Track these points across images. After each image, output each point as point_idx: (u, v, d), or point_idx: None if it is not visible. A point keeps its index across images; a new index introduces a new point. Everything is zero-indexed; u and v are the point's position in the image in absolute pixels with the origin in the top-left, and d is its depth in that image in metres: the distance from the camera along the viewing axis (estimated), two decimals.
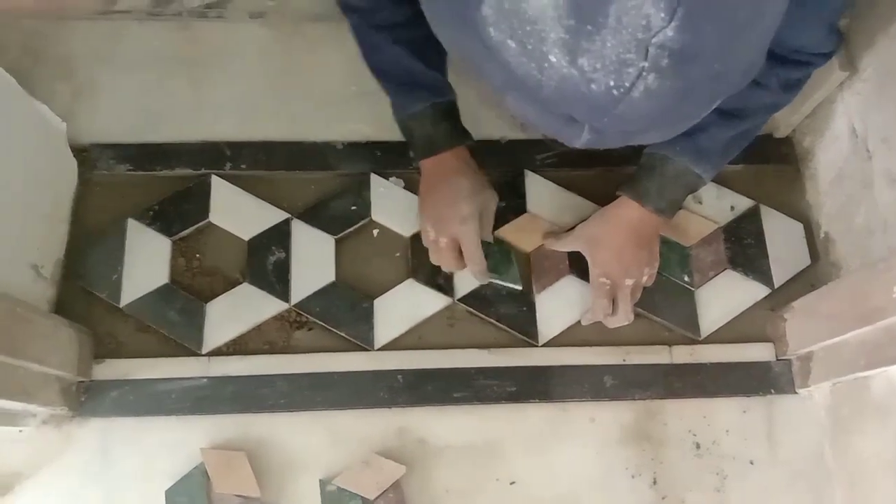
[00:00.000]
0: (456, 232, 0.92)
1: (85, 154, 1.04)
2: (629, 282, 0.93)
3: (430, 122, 0.91)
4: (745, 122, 0.86)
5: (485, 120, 1.09)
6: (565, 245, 0.99)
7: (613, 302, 0.95)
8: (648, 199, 0.90)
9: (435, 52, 0.90)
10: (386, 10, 0.86)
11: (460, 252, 0.94)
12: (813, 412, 0.97)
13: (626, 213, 0.92)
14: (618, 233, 0.93)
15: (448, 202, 0.92)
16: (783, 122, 1.08)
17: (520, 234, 1.03)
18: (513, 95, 0.55)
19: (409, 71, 0.89)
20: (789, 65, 0.81)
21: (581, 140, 0.55)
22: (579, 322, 1.00)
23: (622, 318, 0.95)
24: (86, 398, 0.93)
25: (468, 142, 0.94)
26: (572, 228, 1.00)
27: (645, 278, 0.95)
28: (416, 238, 1.02)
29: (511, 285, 1.00)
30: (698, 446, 0.96)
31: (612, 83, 0.48)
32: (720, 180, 1.07)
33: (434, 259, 0.96)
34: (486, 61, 0.53)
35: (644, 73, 0.47)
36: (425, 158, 0.93)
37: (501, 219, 1.03)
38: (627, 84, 0.48)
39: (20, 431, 0.91)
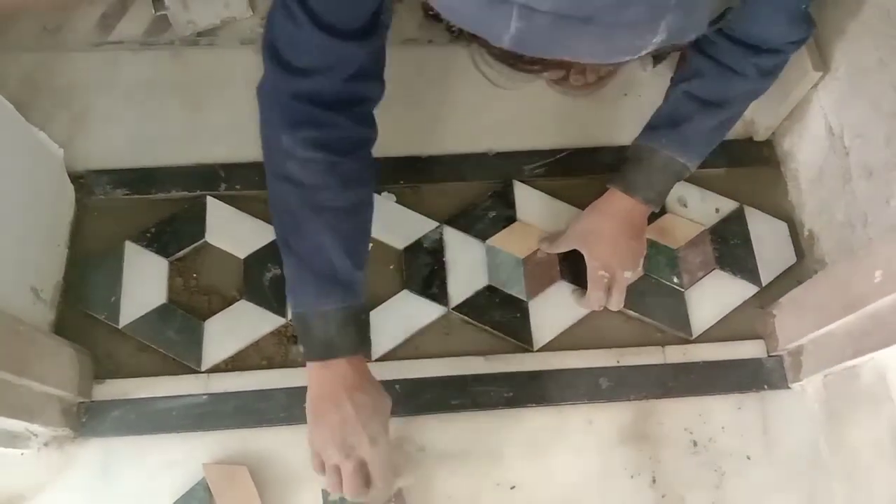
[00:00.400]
0: (366, 455, 0.81)
1: (82, 180, 1.06)
2: (628, 274, 0.95)
3: (335, 326, 0.80)
4: (726, 111, 0.88)
5: (474, 133, 1.13)
6: (560, 246, 1.01)
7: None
8: (637, 190, 0.92)
9: (365, 247, 0.85)
10: (330, 192, 0.78)
11: (366, 477, 0.82)
12: (807, 405, 0.98)
13: (617, 204, 0.94)
14: (611, 224, 0.95)
15: (352, 423, 0.80)
16: (762, 125, 1.11)
17: (511, 243, 1.05)
18: None
19: (333, 266, 0.79)
20: (763, 54, 0.84)
21: (509, 32, 0.48)
22: (572, 326, 1.02)
23: (615, 306, 0.97)
24: (87, 418, 0.94)
25: (367, 352, 0.87)
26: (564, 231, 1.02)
27: (640, 269, 0.96)
28: (410, 250, 1.04)
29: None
30: (695, 444, 0.97)
31: None
32: (704, 184, 1.10)
33: (335, 487, 0.82)
34: None
35: None
36: (318, 360, 0.82)
37: (493, 228, 1.05)
38: None
39: (22, 454, 0.92)
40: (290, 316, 1.00)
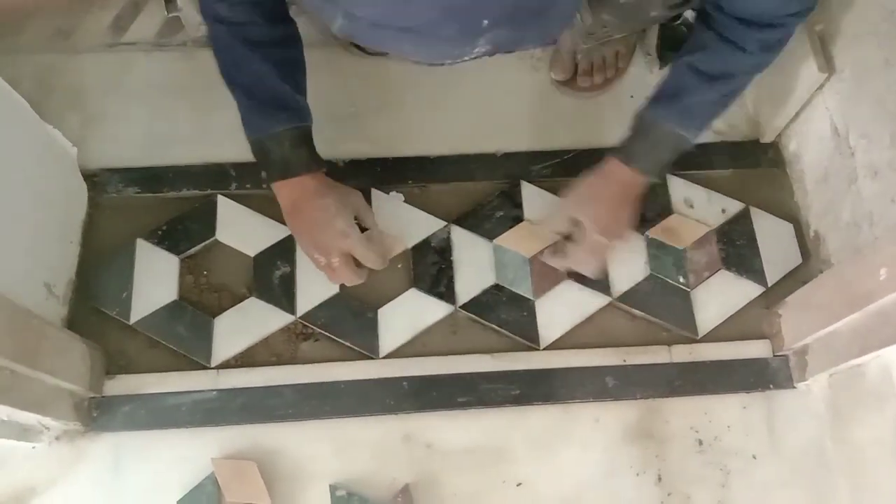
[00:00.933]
0: (343, 247, 0.93)
1: (95, 178, 1.08)
2: (616, 243, 0.97)
3: (288, 146, 0.91)
4: (728, 84, 0.89)
5: (482, 133, 1.13)
6: (557, 220, 1.01)
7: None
8: (636, 160, 0.94)
9: (302, 75, 0.93)
10: (258, 27, 0.87)
11: (355, 261, 0.95)
12: (812, 405, 0.98)
13: (616, 173, 0.95)
14: (611, 191, 0.95)
15: (322, 225, 0.93)
16: (768, 126, 1.12)
17: (518, 242, 1.06)
18: None
19: (275, 91, 0.89)
20: (766, 28, 0.84)
21: (336, 25, 0.56)
22: (579, 325, 1.02)
23: (594, 272, 0.98)
24: (98, 413, 0.95)
25: (322, 168, 0.95)
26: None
27: (627, 241, 0.98)
28: (417, 249, 1.05)
29: None
30: (701, 443, 0.98)
31: None
32: (710, 185, 1.11)
33: (335, 279, 0.97)
34: None
35: None
36: (280, 181, 0.93)
37: (500, 228, 1.06)
38: None
39: (33, 448, 0.93)
40: (299, 313, 1.01)
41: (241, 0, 0.85)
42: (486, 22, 0.53)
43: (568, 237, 1.02)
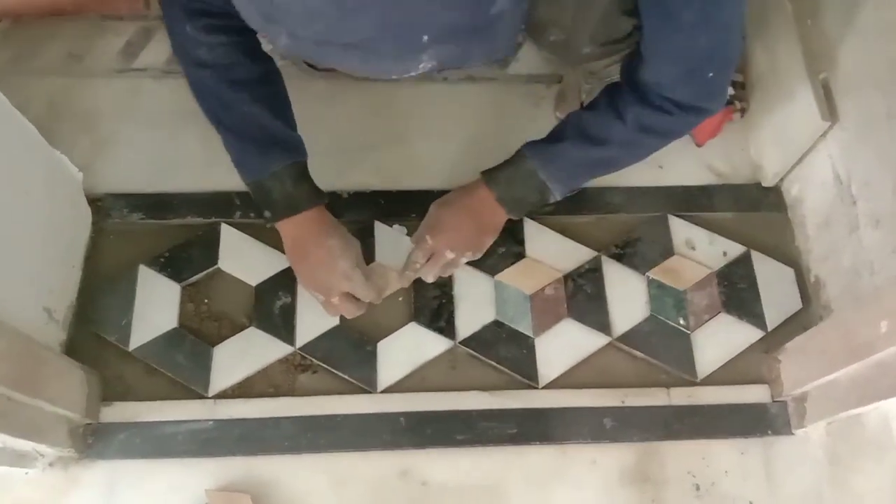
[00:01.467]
0: (345, 288, 0.94)
1: (99, 203, 1.08)
2: (450, 254, 0.97)
3: (290, 182, 0.90)
4: (598, 150, 0.90)
5: (483, 169, 1.14)
6: (426, 219, 1.01)
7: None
8: (495, 186, 0.95)
9: (289, 110, 0.93)
10: (242, 67, 0.86)
11: (354, 298, 0.96)
12: (810, 452, 0.98)
13: (477, 192, 0.97)
14: (463, 205, 0.97)
15: (326, 267, 0.93)
16: (771, 171, 1.13)
17: (520, 279, 1.06)
18: None
19: (267, 130, 0.89)
20: (648, 106, 0.84)
21: (280, 43, 0.56)
22: (578, 364, 1.02)
23: (427, 276, 0.99)
24: (93, 440, 0.95)
25: (324, 200, 0.95)
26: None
27: (463, 259, 0.99)
28: (418, 282, 1.05)
29: None
30: (698, 488, 0.97)
31: None
32: (712, 227, 1.11)
33: (333, 313, 0.98)
34: None
35: None
36: (286, 218, 0.93)
37: (502, 263, 1.06)
38: None
39: (26, 473, 0.93)
40: (298, 344, 1.01)
41: (221, 42, 0.84)
42: (426, 38, 0.54)
43: None
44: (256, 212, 1.08)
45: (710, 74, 0.81)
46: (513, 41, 0.60)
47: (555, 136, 0.93)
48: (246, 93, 0.87)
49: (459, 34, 0.55)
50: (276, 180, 0.90)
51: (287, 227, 0.94)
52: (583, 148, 0.90)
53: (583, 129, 0.90)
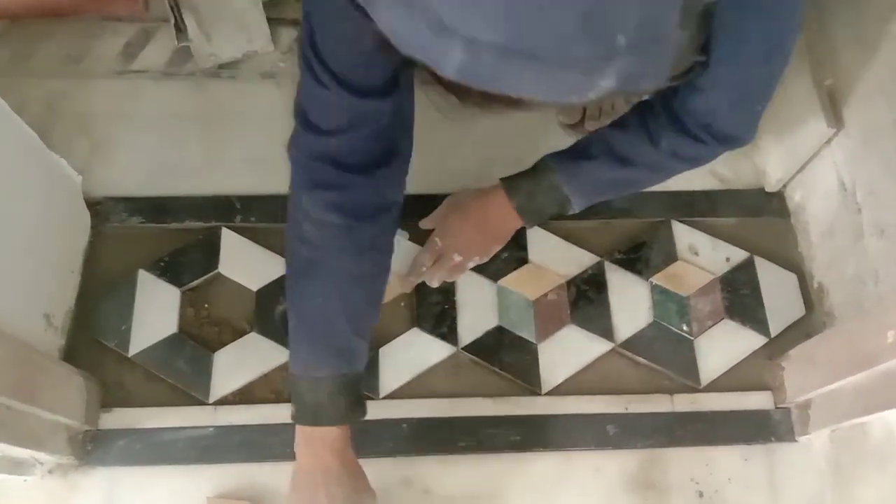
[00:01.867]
0: None
1: (98, 207, 1.07)
2: (457, 258, 0.97)
3: (326, 394, 0.79)
4: (626, 171, 0.89)
5: (489, 173, 1.13)
6: (434, 217, 1.01)
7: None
8: (516, 195, 0.95)
9: (369, 317, 0.83)
10: (342, 256, 0.78)
11: None
12: (813, 460, 0.98)
13: (493, 198, 0.96)
14: (475, 209, 0.97)
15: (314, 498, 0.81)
16: (774, 177, 1.13)
17: (523, 284, 1.06)
18: (380, 2, 0.48)
19: (332, 332, 0.79)
20: (684, 134, 0.83)
21: (452, 60, 0.47)
22: (581, 370, 1.02)
23: (432, 280, 0.99)
24: (92, 447, 0.94)
25: (357, 419, 0.83)
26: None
27: (470, 264, 0.99)
28: (421, 287, 1.04)
29: None
30: (701, 495, 0.97)
31: None
32: (715, 233, 1.11)
33: None
34: None
35: None
36: (305, 426, 0.82)
37: (505, 269, 1.06)
38: None
39: (25, 481, 0.92)
40: None
41: (335, 223, 0.76)
42: (622, 40, 0.47)
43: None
44: (257, 216, 1.08)
45: (759, 107, 0.81)
46: (670, 70, 0.55)
47: (582, 152, 0.92)
48: (330, 284, 0.78)
49: (645, 40, 0.49)
50: (311, 385, 0.80)
51: (303, 434, 0.83)
52: (611, 167, 0.89)
53: (612, 148, 0.89)
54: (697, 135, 0.82)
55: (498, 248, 1.00)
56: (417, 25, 0.46)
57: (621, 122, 0.90)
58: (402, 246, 1.07)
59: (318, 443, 0.82)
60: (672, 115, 0.83)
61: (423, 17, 0.46)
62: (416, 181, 1.11)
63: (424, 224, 1.04)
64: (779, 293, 1.08)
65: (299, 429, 0.83)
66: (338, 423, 0.81)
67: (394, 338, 1.02)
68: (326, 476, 0.81)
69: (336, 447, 0.81)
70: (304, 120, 0.74)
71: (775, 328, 1.05)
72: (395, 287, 1.01)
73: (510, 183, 0.95)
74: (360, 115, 0.73)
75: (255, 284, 1.04)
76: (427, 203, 1.10)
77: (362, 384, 0.84)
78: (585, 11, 0.45)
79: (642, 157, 0.87)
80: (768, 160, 1.14)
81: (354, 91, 0.70)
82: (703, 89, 0.78)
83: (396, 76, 0.72)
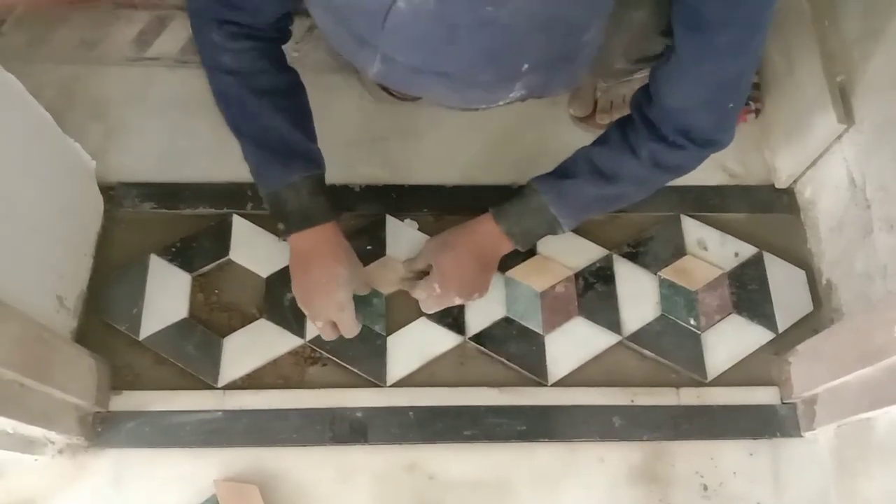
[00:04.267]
0: (334, 317, 0.94)
1: (112, 191, 1.08)
2: (458, 300, 0.98)
3: (306, 194, 0.89)
4: (611, 186, 0.90)
5: (499, 165, 1.14)
6: (419, 261, 1.01)
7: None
8: (505, 220, 0.95)
9: (311, 122, 0.92)
10: (267, 75, 0.86)
11: (335, 325, 0.96)
12: (818, 455, 0.98)
13: (482, 228, 0.97)
14: (466, 245, 0.97)
15: (323, 289, 0.93)
16: (784, 173, 1.12)
17: (530, 276, 1.06)
18: (315, 4, 0.56)
19: (287, 141, 0.88)
20: (662, 142, 0.84)
21: (373, 69, 0.55)
22: (588, 362, 1.03)
23: (425, 307, 1.01)
24: (102, 428, 0.95)
25: (339, 216, 0.94)
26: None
27: (469, 301, 1.00)
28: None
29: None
30: (706, 488, 0.97)
31: None
32: (724, 228, 1.11)
33: (318, 331, 0.97)
34: None
35: None
36: (300, 231, 0.91)
37: (512, 260, 1.06)
38: None
39: (35, 460, 0.93)
40: (308, 337, 1.01)
41: (247, 48, 0.84)
42: (525, 66, 0.52)
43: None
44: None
45: (730, 105, 0.82)
46: (586, 71, 0.59)
47: (566, 172, 0.92)
48: (268, 102, 0.86)
49: (554, 62, 0.54)
50: (292, 191, 0.89)
51: (298, 241, 0.93)
52: (596, 184, 0.90)
53: (595, 165, 0.90)
54: (675, 140, 0.83)
55: (492, 277, 1.01)
56: (343, 34, 0.54)
57: (603, 138, 0.91)
58: (411, 235, 1.08)
59: (313, 237, 0.91)
60: (649, 125, 0.84)
61: (348, 29, 0.53)
62: (426, 172, 1.13)
63: (410, 267, 1.03)
64: (787, 289, 1.08)
65: (295, 239, 0.92)
66: (325, 220, 0.91)
67: (402, 327, 1.03)
68: (320, 255, 0.92)
69: (328, 236, 0.92)
70: None
71: (783, 324, 1.05)
72: (398, 282, 1.03)
73: (498, 209, 0.96)
74: None
75: (265, 271, 1.05)
76: (436, 194, 1.11)
77: (326, 187, 0.92)
78: (490, 49, 0.51)
79: (626, 171, 0.88)
80: (778, 156, 1.14)
81: None
82: (675, 81, 0.79)
83: None
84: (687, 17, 0.73)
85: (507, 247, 0.98)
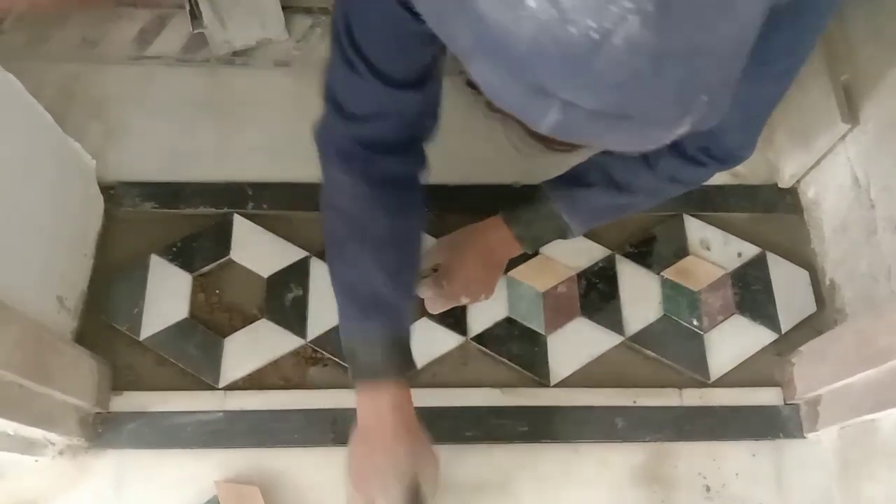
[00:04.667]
0: (375, 498, 0.83)
1: (112, 191, 1.08)
2: (465, 300, 0.97)
3: (380, 352, 0.82)
4: (624, 196, 0.88)
5: (501, 164, 1.13)
6: (428, 259, 1.00)
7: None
8: (516, 224, 0.94)
9: (409, 276, 0.86)
10: (375, 223, 0.80)
11: None
12: (821, 456, 0.98)
13: (492, 230, 0.96)
14: (476, 246, 0.96)
15: (376, 471, 0.82)
16: (788, 172, 1.12)
17: (533, 276, 1.06)
18: (480, 60, 0.48)
19: (375, 293, 0.81)
20: (681, 157, 0.81)
21: (547, 120, 0.48)
22: (590, 363, 1.02)
23: (431, 307, 0.99)
24: (102, 429, 0.94)
25: (412, 372, 0.86)
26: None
27: (476, 302, 0.99)
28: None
29: None
30: (708, 489, 0.97)
31: (591, 23, 0.42)
32: (727, 227, 1.10)
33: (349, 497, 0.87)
34: (456, 16, 0.47)
35: (627, 15, 0.42)
36: (364, 381, 0.84)
37: (515, 261, 1.05)
38: (608, 25, 0.42)
39: (36, 461, 0.92)
40: (309, 337, 1.01)
41: (364, 193, 0.78)
42: (704, 98, 0.47)
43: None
44: (269, 203, 1.08)
45: (763, 123, 0.79)
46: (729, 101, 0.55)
47: (579, 179, 0.91)
48: (367, 249, 0.80)
49: (725, 90, 0.49)
50: (365, 345, 0.82)
51: (363, 392, 0.84)
52: (609, 194, 0.88)
53: (610, 175, 0.87)
54: (695, 157, 0.81)
55: (499, 277, 1.00)
56: (516, 86, 0.47)
57: None
58: None
59: (380, 400, 0.83)
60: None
61: (524, 80, 0.46)
62: (436, 171, 1.12)
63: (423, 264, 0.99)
64: (790, 289, 1.07)
65: (361, 388, 0.84)
66: (396, 377, 0.83)
67: None
68: (385, 433, 0.82)
69: (397, 403, 0.83)
70: (334, 104, 0.75)
71: (786, 324, 1.05)
72: None
73: (509, 213, 0.95)
74: (392, 104, 0.73)
75: (266, 271, 1.05)
76: (437, 193, 1.10)
77: (409, 341, 0.86)
78: (682, 79, 0.46)
79: (640, 182, 0.86)
80: (782, 155, 1.13)
81: (388, 82, 0.70)
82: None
83: (430, 68, 0.72)
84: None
85: (516, 250, 0.97)
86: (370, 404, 0.84)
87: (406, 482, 0.81)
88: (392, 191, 0.79)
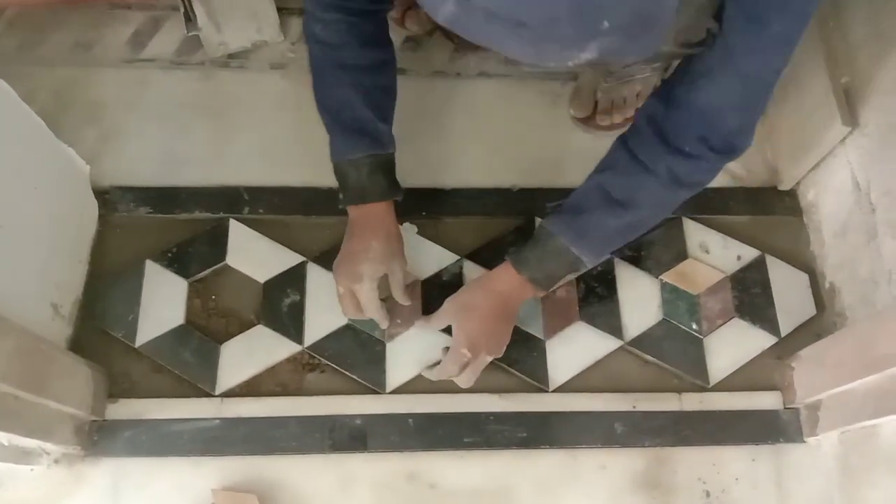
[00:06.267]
0: (351, 287, 0.94)
1: (106, 196, 1.07)
2: (488, 358, 0.94)
3: (365, 172, 0.91)
4: (630, 213, 0.85)
5: (498, 167, 1.13)
6: (438, 321, 0.98)
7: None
8: (526, 268, 0.91)
9: (389, 102, 0.94)
10: (352, 50, 0.88)
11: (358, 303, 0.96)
12: (822, 461, 0.97)
13: (502, 279, 0.93)
14: (488, 303, 0.93)
15: (352, 259, 0.94)
16: (787, 175, 1.11)
17: None
18: None
19: (358, 118, 0.90)
20: (679, 154, 0.79)
21: (443, 10, 0.52)
22: (589, 368, 1.01)
23: (464, 384, 0.96)
24: (98, 437, 0.94)
25: (397, 196, 0.95)
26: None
27: (499, 356, 0.96)
28: (429, 282, 1.04)
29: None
30: (708, 494, 0.96)
31: None
32: (727, 230, 1.10)
33: (339, 301, 0.97)
34: None
35: None
36: (353, 205, 0.94)
37: None
38: None
39: (31, 470, 0.92)
40: (306, 343, 1.01)
41: (336, 19, 0.86)
42: (606, 24, 0.50)
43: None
44: (265, 207, 1.07)
45: (759, 106, 0.78)
46: (662, 41, 0.56)
47: (579, 207, 0.87)
48: (347, 77, 0.88)
49: (634, 24, 0.51)
50: (353, 167, 0.91)
51: (353, 212, 0.95)
52: (614, 214, 0.85)
53: (610, 194, 0.84)
54: (692, 151, 0.79)
55: (514, 322, 0.98)
56: None
57: (610, 163, 0.86)
58: (410, 238, 1.07)
59: (366, 217, 0.94)
60: (662, 137, 0.80)
61: None
62: (424, 175, 1.12)
63: (429, 327, 0.99)
64: (790, 293, 1.07)
65: (350, 212, 0.95)
66: (380, 199, 0.93)
67: (401, 333, 1.02)
68: (364, 236, 0.94)
69: (380, 217, 0.94)
70: None
71: (786, 328, 1.05)
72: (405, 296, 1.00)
73: (516, 257, 0.92)
74: None
75: (262, 276, 1.04)
76: (434, 197, 1.10)
77: (393, 167, 0.95)
78: (575, 2, 0.49)
79: (642, 194, 0.83)
80: (781, 158, 1.13)
81: None
82: (715, 74, 0.74)
83: None
84: (746, 2, 0.69)
85: (529, 293, 0.94)
86: (358, 221, 0.95)
87: (377, 275, 0.93)
88: (362, 19, 0.87)
